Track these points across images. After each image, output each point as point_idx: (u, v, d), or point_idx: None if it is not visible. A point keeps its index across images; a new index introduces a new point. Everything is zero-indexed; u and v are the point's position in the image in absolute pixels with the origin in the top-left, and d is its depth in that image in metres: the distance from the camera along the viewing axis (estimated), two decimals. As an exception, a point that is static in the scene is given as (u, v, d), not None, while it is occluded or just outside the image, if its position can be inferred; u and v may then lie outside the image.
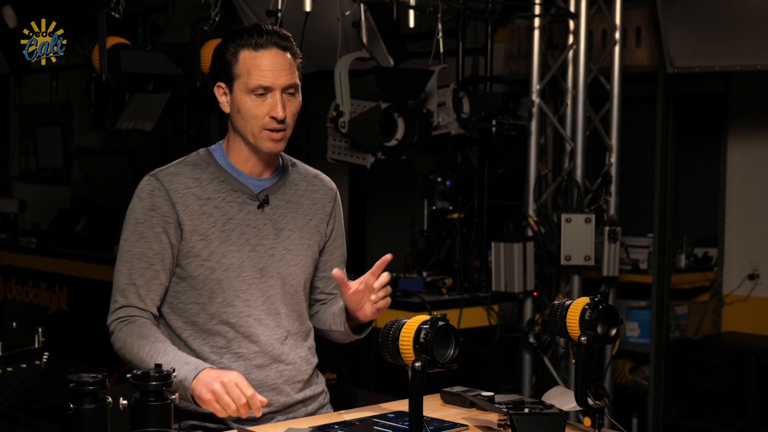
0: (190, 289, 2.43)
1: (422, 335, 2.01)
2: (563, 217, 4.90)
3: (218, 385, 2.22)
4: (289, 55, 2.40)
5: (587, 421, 2.30)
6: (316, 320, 2.65)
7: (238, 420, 2.43)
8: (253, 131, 2.41)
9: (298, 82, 2.42)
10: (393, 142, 4.58)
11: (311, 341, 2.60)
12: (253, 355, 2.45)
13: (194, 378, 2.25)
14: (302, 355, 2.52)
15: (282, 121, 2.39)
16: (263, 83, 2.37)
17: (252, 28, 2.41)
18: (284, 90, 2.39)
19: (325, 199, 2.60)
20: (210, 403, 2.23)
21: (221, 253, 2.42)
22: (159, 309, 2.46)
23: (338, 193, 2.65)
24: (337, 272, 2.39)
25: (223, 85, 2.44)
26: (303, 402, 2.53)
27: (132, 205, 2.43)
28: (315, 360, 2.59)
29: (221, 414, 2.23)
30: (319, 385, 2.61)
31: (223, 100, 2.45)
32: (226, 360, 2.44)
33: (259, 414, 2.28)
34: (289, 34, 2.45)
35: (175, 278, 2.44)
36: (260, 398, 2.24)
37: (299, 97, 2.44)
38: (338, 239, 2.64)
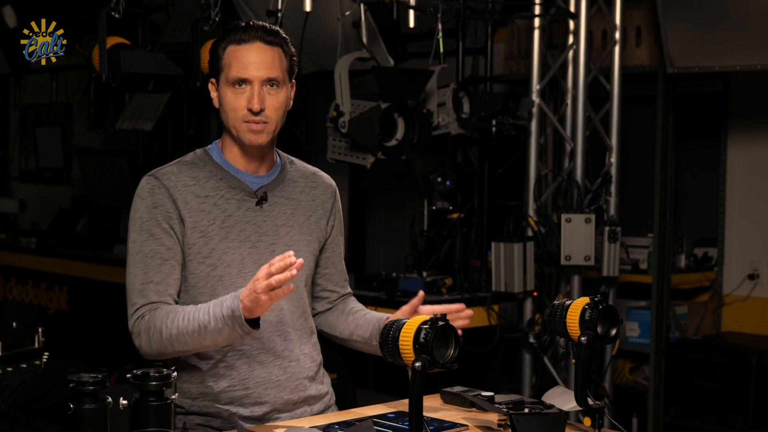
0: (191, 287, 2.43)
1: (422, 335, 2.01)
2: (563, 217, 4.90)
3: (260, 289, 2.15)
4: (274, 49, 2.40)
5: (587, 421, 2.30)
6: (330, 324, 2.65)
7: (241, 420, 2.43)
8: (234, 124, 2.41)
9: (280, 75, 2.41)
10: (393, 142, 4.58)
11: (315, 338, 2.59)
12: (256, 352, 2.45)
13: (239, 305, 2.19)
14: (306, 352, 2.52)
15: (258, 113, 2.38)
16: (241, 75, 2.38)
17: (241, 24, 2.43)
18: (264, 83, 2.39)
19: (325, 196, 2.60)
20: (268, 302, 2.16)
21: (222, 250, 2.42)
22: None
23: (337, 190, 2.65)
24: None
25: (214, 80, 2.47)
26: (307, 401, 2.52)
27: (134, 206, 2.42)
28: (319, 358, 2.58)
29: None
30: (325, 385, 2.59)
31: (214, 96, 2.47)
32: (229, 357, 2.43)
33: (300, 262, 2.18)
34: (277, 29, 2.45)
35: None
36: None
37: (285, 91, 2.43)
38: (339, 236, 2.64)
